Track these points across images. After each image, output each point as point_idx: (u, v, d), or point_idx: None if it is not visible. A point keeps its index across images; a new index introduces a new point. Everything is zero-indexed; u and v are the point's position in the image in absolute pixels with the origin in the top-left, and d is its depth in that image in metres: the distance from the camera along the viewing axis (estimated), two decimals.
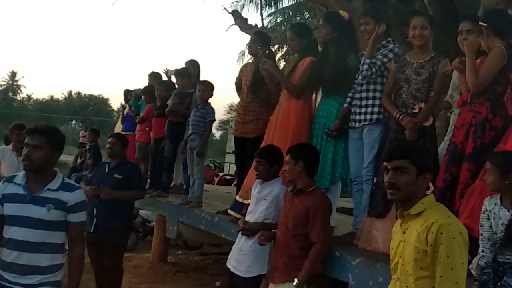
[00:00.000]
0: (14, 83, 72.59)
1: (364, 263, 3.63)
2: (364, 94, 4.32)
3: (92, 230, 5.39)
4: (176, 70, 7.07)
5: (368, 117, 4.23)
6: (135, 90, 8.73)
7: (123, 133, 7.20)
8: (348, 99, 4.46)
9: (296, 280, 3.59)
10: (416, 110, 3.90)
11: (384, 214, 3.95)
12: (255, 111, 5.50)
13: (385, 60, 4.21)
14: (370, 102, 4.27)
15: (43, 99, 70.05)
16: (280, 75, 5.03)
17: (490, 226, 2.98)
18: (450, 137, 3.82)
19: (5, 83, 72.12)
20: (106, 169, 5.49)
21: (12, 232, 2.83)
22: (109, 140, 5.61)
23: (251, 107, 5.53)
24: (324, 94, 4.73)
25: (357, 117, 4.32)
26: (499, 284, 2.80)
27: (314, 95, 4.96)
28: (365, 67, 4.20)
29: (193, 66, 7.25)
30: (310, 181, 3.89)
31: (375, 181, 4.05)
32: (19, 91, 73.26)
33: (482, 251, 2.99)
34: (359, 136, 4.32)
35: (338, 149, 4.49)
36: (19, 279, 2.80)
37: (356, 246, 4.03)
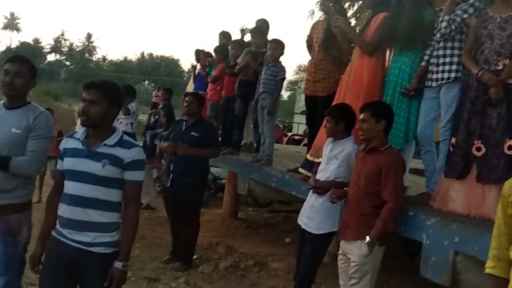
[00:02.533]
0: (90, 44, 75.24)
1: (440, 223, 3.57)
2: (441, 52, 4.14)
3: (168, 185, 5.63)
4: (253, 28, 7.06)
5: (446, 75, 4.07)
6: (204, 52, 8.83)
7: None
8: (426, 57, 4.30)
9: (368, 238, 3.60)
10: (500, 67, 3.70)
11: (464, 175, 3.83)
12: (326, 69, 5.44)
13: (465, 16, 4.00)
14: (448, 60, 4.10)
15: (117, 60, 72.43)
16: (352, 32, 4.91)
17: None
18: None
19: (81, 44, 74.85)
20: (183, 127, 5.67)
21: (69, 187, 2.77)
22: (187, 98, 5.77)
23: (322, 65, 5.47)
24: (397, 51, 4.58)
25: (434, 75, 4.17)
26: None
27: (388, 52, 4.83)
28: (444, 24, 4.01)
29: (265, 25, 7.22)
30: (385, 140, 3.83)
31: (453, 141, 3.93)
32: (94, 52, 75.96)
33: None
34: (435, 96, 4.18)
35: (412, 108, 4.37)
36: (75, 235, 2.73)
37: (431, 206, 3.96)
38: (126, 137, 2.86)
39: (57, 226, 2.81)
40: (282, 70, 6.18)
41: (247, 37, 7.66)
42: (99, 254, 2.72)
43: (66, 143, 2.86)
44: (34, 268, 2.85)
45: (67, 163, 2.80)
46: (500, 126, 3.67)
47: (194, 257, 5.87)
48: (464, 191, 3.81)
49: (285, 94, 44.19)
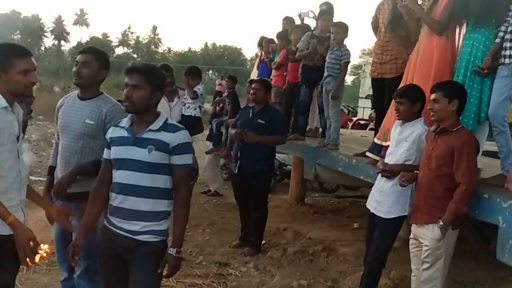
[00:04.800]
0: (156, 36, 77.13)
1: None
2: None
3: (236, 172, 5.72)
4: (321, 11, 6.98)
5: None
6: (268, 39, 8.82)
7: None
8: (500, 34, 4.09)
9: (440, 222, 3.52)
10: None
11: None
12: (393, 50, 5.31)
13: None
14: None
15: (182, 51, 73.88)
16: (420, 10, 4.76)
17: None
18: None
19: (147, 37, 76.87)
20: (250, 114, 5.73)
21: (117, 176, 2.74)
22: (253, 85, 5.82)
23: (389, 46, 5.35)
24: (469, 27, 4.40)
25: (508, 52, 3.98)
26: None
27: (458, 30, 4.65)
28: None
29: (330, 8, 7.13)
30: (457, 120, 3.71)
31: None
32: (160, 44, 77.84)
33: None
34: (509, 74, 3.99)
35: (485, 87, 4.19)
36: (123, 224, 2.72)
37: (507, 188, 3.81)
38: (171, 121, 2.80)
39: (108, 215, 2.81)
40: (347, 53, 6.09)
41: (307, 22, 7.61)
42: (147, 242, 2.70)
43: (112, 132, 2.83)
44: (73, 258, 2.82)
45: (114, 152, 2.77)
46: None
47: (263, 242, 5.95)
48: None
49: (349, 79, 43.56)
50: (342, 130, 7.76)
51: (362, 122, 16.52)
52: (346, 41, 6.14)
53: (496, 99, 4.04)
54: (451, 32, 4.59)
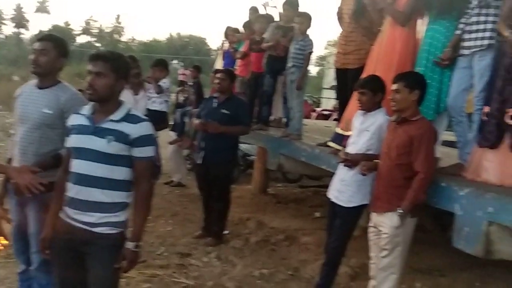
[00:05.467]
0: (119, 25, 75.78)
1: (473, 193, 3.51)
2: (475, 19, 4.01)
3: (200, 162, 5.69)
4: (285, 1, 6.97)
5: (479, 42, 3.95)
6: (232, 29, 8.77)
7: None
8: (460, 26, 4.15)
9: (399, 210, 3.57)
10: None
11: (498, 145, 3.75)
12: (357, 41, 5.34)
13: None
14: (481, 27, 3.96)
15: (146, 40, 72.83)
16: (383, 1, 4.80)
17: None
18: None
19: (111, 25, 75.47)
20: (214, 104, 5.68)
21: (75, 165, 2.64)
22: (218, 75, 5.77)
23: (353, 37, 5.37)
24: (431, 19, 4.45)
25: (467, 43, 4.05)
26: None
27: (419, 22, 4.71)
28: None
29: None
30: (417, 110, 3.76)
31: (486, 110, 3.83)
32: (123, 33, 76.52)
33: None
34: (468, 65, 4.06)
35: (444, 78, 4.27)
36: (79, 216, 2.64)
37: (464, 177, 3.90)
38: (134, 111, 2.71)
39: (64, 206, 2.71)
40: (310, 43, 6.12)
41: (271, 12, 7.59)
42: (103, 234, 2.63)
43: (73, 120, 2.74)
44: (44, 251, 2.78)
45: (73, 141, 2.68)
46: None
47: (225, 232, 5.94)
48: (498, 160, 3.73)
49: (313, 70, 43.80)
50: (306, 121, 7.80)
51: (326, 112, 16.66)
52: (312, 32, 6.17)
53: (455, 90, 4.12)
54: (413, 24, 4.64)
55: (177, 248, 5.46)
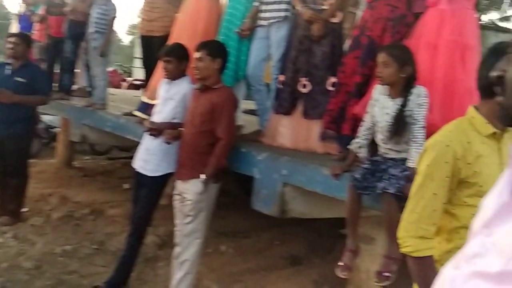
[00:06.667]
0: None
1: (269, 157, 3.71)
2: None
3: None
4: None
5: (276, 14, 4.16)
6: None
7: None
8: None
9: (202, 176, 3.63)
10: (326, 6, 3.87)
11: (292, 111, 4.01)
12: (161, 7, 5.25)
13: None
14: None
15: None
16: None
17: (373, 116, 3.04)
18: (362, 31, 3.63)
19: None
20: (8, 71, 5.11)
21: None
22: (11, 39, 5.18)
23: (157, 3, 5.27)
24: None
25: (265, 14, 4.24)
26: (386, 177, 2.82)
27: None
28: None
29: None
30: (219, 78, 3.82)
31: (282, 78, 4.07)
32: None
33: (358, 136, 3.12)
34: (265, 35, 4.25)
35: (242, 47, 4.42)
36: None
37: (262, 142, 4.11)
38: None
39: None
40: (113, 8, 5.86)
41: None
42: None
43: None
44: None
45: None
46: (324, 64, 3.87)
47: (24, 209, 5.47)
48: (292, 126, 4.00)
49: (126, 38, 42.41)
50: (114, 90, 7.52)
51: (137, 82, 16.24)
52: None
53: (254, 59, 4.28)
54: None
55: None
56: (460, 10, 3.29)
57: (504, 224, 1.10)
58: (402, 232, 1.78)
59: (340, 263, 3.04)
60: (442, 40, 3.26)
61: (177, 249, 3.85)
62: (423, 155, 1.77)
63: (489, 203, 1.26)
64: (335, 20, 3.88)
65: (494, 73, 1.01)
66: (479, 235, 1.18)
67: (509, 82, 1.00)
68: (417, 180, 1.76)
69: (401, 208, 2.78)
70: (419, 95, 2.88)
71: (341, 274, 3.03)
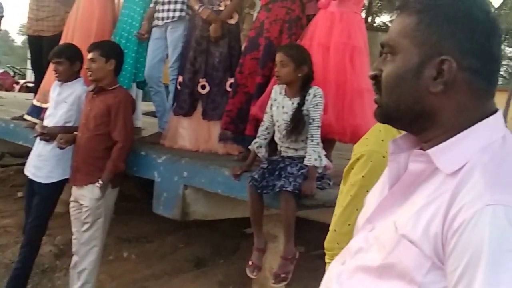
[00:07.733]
0: None
1: (170, 160, 3.65)
2: None
3: None
4: None
5: (171, 14, 4.12)
6: None
7: None
8: None
9: (99, 181, 3.50)
10: (222, 8, 3.88)
11: (191, 113, 3.99)
12: (50, 6, 5.00)
13: None
14: None
15: None
16: None
17: (272, 115, 3.12)
18: (259, 33, 3.67)
19: None
20: None
21: None
22: None
23: (45, 2, 5.01)
24: None
25: (160, 14, 4.18)
26: (284, 176, 2.88)
27: None
28: None
29: None
30: (114, 79, 3.72)
31: (180, 79, 4.02)
32: None
33: (258, 136, 3.18)
34: (162, 36, 4.20)
35: (140, 49, 4.34)
36: None
37: (163, 145, 4.04)
38: None
39: None
40: (0, 6, 5.48)
41: None
42: None
43: None
44: None
45: None
46: (222, 65, 3.89)
47: None
48: (192, 128, 3.98)
49: (18, 39, 40.13)
50: (5, 94, 7.05)
51: (30, 85, 15.39)
52: None
53: (151, 61, 4.21)
54: None
55: None
56: (348, 13, 3.44)
57: (384, 219, 1.15)
58: (332, 243, 1.65)
59: (249, 263, 3.06)
60: (333, 42, 3.40)
61: (74, 258, 3.69)
62: (356, 165, 1.61)
63: (372, 199, 1.31)
64: (231, 21, 3.91)
65: (370, 72, 1.06)
66: (362, 231, 1.23)
67: (383, 80, 1.04)
68: (350, 190, 1.62)
69: (299, 206, 2.88)
70: (315, 95, 2.99)
71: (251, 274, 3.04)
